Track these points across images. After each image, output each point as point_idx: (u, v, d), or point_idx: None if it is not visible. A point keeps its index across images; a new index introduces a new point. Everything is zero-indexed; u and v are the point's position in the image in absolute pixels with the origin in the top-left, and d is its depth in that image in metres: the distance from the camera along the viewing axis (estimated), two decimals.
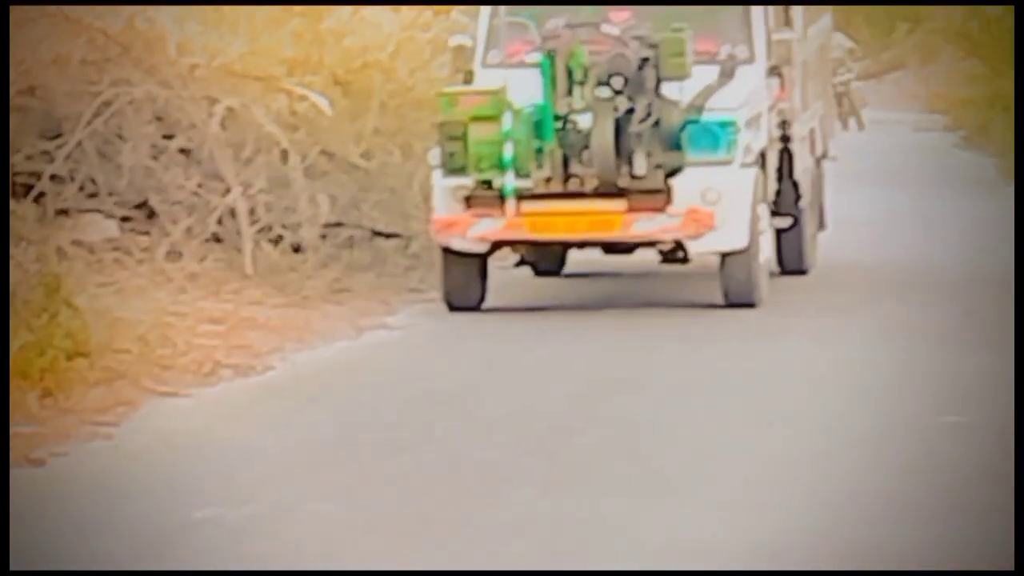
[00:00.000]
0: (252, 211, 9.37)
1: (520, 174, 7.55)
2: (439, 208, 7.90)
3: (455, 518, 4.02)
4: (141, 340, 7.37)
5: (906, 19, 24.02)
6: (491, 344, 7.43)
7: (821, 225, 9.81)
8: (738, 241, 7.52)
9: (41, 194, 9.21)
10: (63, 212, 9.43)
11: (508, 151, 7.51)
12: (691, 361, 6.61)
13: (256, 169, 9.52)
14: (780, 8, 8.72)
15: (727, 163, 7.57)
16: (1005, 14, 14.89)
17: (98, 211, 9.42)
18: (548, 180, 7.67)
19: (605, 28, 7.82)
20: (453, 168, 7.72)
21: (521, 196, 7.57)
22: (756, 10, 8.31)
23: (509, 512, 4.01)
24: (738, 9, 8.30)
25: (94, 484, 5.12)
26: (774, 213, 8.57)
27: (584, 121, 7.70)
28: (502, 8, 8.31)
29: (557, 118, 7.72)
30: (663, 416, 5.45)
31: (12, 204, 8.38)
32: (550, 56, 7.64)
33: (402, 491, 4.44)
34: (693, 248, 7.69)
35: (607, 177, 7.58)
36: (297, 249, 9.57)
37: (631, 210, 7.55)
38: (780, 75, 8.31)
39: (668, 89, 7.72)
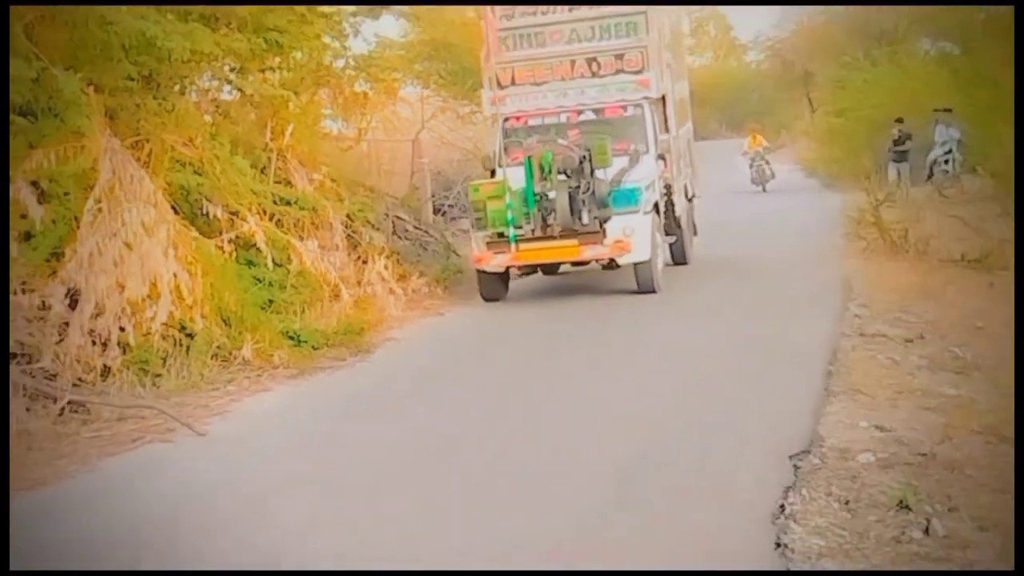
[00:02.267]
0: None
1: (517, 227, 10.66)
2: (475, 249, 11.14)
3: (526, 367, 8.32)
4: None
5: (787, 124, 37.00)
6: (512, 313, 11.21)
7: (695, 233, 13.61)
8: (644, 256, 10.68)
9: (444, 212, 16.43)
10: (454, 219, 16.21)
11: (509, 215, 10.66)
12: (621, 312, 10.52)
13: None
14: (661, 120, 11.86)
15: (636, 212, 10.63)
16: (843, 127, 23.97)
17: (465, 218, 15.46)
18: (533, 230, 10.63)
19: (560, 141, 10.78)
20: (479, 227, 10.99)
21: (518, 240, 10.61)
22: (648, 124, 11.41)
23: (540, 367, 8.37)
24: (638, 124, 11.25)
25: (433, 338, 10.15)
26: (666, 234, 12.12)
27: (552, 195, 10.55)
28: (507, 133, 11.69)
29: (535, 194, 10.54)
30: (618, 337, 9.45)
31: (433, 218, 15.23)
32: (529, 159, 10.50)
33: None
34: (619, 261, 10.80)
35: (566, 226, 10.57)
36: None
37: (581, 244, 10.59)
38: (664, 159, 11.52)
39: (600, 173, 10.77)
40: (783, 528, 4.67)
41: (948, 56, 19.10)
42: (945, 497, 5.06)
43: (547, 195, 10.36)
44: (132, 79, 8.85)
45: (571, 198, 10.30)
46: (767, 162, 21.19)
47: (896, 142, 16.86)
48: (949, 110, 16.20)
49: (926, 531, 4.66)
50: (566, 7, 11.54)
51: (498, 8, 11.75)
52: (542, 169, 10.28)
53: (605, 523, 4.96)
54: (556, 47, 11.41)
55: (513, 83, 11.46)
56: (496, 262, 10.68)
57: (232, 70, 10.61)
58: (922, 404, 6.86)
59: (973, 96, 14.87)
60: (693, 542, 4.68)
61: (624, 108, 11.21)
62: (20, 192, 8.01)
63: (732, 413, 6.72)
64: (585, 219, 10.32)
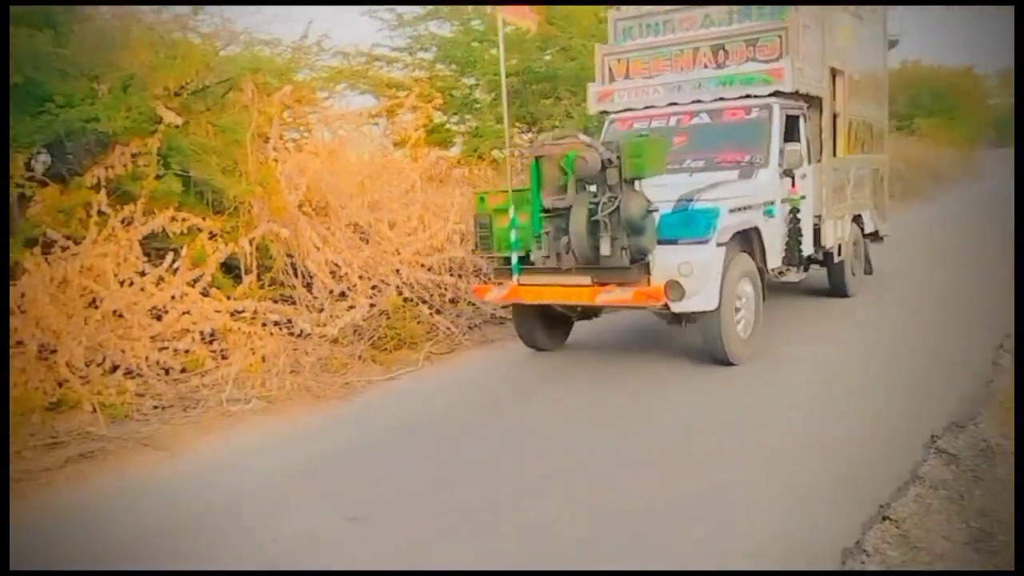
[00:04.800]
0: None
1: (525, 254, 6.09)
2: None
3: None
4: None
5: None
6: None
7: (868, 271, 9.21)
8: (705, 305, 5.81)
9: None
10: None
11: (513, 236, 6.05)
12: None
13: None
14: (815, 131, 7.64)
15: (703, 242, 5.89)
16: None
17: None
18: (546, 258, 5.98)
19: (581, 138, 5.88)
20: (482, 247, 6.49)
21: (521, 271, 6.09)
22: (775, 130, 6.92)
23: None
24: (761, 130, 7.02)
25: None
26: (792, 265, 7.21)
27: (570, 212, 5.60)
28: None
29: (543, 210, 5.98)
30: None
31: None
32: (537, 161, 5.94)
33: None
34: (674, 308, 5.77)
35: (584, 256, 5.86)
36: None
37: (596, 283, 5.87)
38: (791, 176, 6.99)
39: (648, 183, 5.62)
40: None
41: None
42: None
43: (561, 212, 5.75)
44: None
45: (588, 218, 5.55)
46: None
47: None
48: None
49: None
50: None
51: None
52: (564, 173, 5.73)
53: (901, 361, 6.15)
54: (681, 33, 7.79)
55: (627, 76, 7.83)
56: (492, 296, 6.33)
57: None
58: None
59: None
60: (949, 379, 5.79)
61: (747, 111, 7.41)
62: None
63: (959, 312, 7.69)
64: (604, 248, 5.63)
